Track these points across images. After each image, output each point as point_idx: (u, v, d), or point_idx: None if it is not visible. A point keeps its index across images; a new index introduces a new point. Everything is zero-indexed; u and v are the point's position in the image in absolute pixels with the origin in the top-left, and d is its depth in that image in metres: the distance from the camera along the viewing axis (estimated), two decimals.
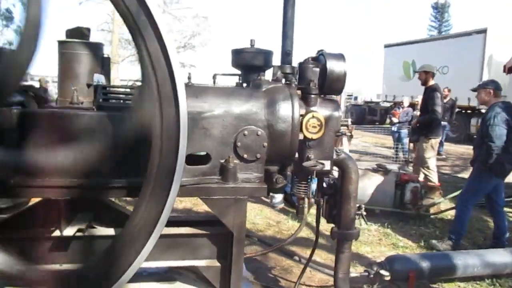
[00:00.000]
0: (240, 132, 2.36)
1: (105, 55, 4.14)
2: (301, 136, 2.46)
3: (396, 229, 6.37)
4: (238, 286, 2.45)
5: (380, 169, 6.99)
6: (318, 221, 3.08)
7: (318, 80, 2.56)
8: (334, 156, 2.64)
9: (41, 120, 2.17)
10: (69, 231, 2.33)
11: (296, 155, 2.51)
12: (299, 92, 2.52)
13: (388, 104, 26.65)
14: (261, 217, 6.32)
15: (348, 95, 37.06)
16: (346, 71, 2.53)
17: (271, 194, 2.82)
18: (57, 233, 2.34)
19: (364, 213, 2.95)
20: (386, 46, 27.26)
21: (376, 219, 6.67)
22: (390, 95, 25.97)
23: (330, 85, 2.55)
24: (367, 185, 6.80)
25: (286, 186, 2.71)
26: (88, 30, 4.11)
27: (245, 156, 2.38)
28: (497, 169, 5.23)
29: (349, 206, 2.77)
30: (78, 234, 2.31)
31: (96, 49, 4.12)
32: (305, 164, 2.41)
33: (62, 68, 4.02)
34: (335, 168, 2.70)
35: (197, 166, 2.34)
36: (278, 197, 2.78)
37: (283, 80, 2.62)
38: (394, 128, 13.24)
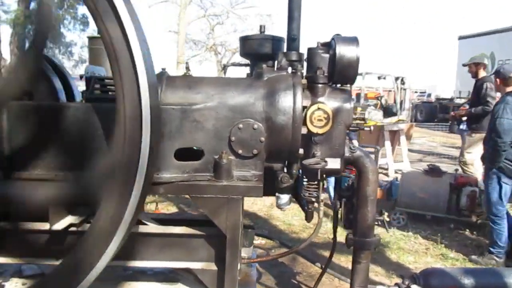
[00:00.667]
0: (235, 126, 2.15)
1: None
2: (305, 130, 2.19)
3: (448, 238, 5.77)
4: None
5: (433, 170, 6.38)
6: (335, 226, 2.78)
7: (328, 68, 2.27)
8: (347, 153, 2.34)
9: (29, 113, 2.12)
10: (61, 224, 2.27)
11: (301, 151, 2.25)
12: (305, 81, 2.25)
13: (462, 101, 24.66)
14: (298, 218, 6.05)
15: (421, 92, 35.08)
16: (358, 56, 2.22)
17: (277, 194, 2.57)
18: (46, 226, 2.28)
19: (387, 219, 2.61)
20: (461, 38, 25.09)
21: (426, 226, 6.09)
22: (464, 91, 23.86)
23: (341, 73, 2.25)
24: (417, 188, 6.24)
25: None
26: None
27: (240, 151, 2.17)
28: (507, 169, 4.60)
29: (366, 210, 2.44)
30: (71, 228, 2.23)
31: None
32: (305, 162, 2.14)
33: (91, 61, 4.07)
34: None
35: (188, 162, 2.17)
36: (284, 198, 2.54)
37: (289, 69, 2.36)
38: (463, 127, 12.21)
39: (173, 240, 2.36)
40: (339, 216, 2.75)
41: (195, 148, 2.21)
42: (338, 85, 2.33)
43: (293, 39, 2.36)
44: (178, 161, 2.15)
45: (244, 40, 2.68)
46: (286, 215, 6.08)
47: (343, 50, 2.21)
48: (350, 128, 2.37)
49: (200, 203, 2.16)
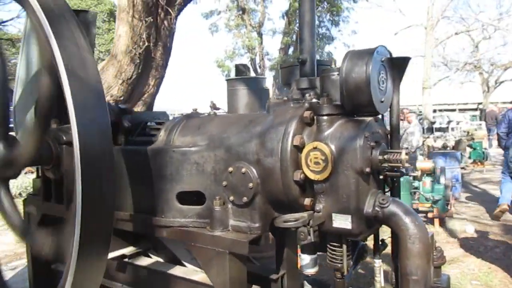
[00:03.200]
0: (227, 169, 1.91)
1: (265, 87, 4.26)
2: (302, 176, 1.72)
3: None
4: None
5: None
6: None
7: (341, 95, 1.73)
8: (368, 209, 1.68)
9: None
10: (115, 253, 2.54)
11: (307, 201, 1.77)
12: (308, 113, 1.78)
13: None
14: None
15: None
16: (368, 76, 1.60)
17: (299, 254, 2.04)
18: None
19: None
20: None
21: None
22: None
23: (349, 99, 1.68)
24: None
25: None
26: (244, 66, 4.37)
27: (231, 198, 1.90)
28: None
29: None
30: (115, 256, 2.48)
31: (255, 83, 4.32)
32: (277, 219, 1.67)
33: (228, 102, 4.45)
34: None
35: (190, 206, 2.06)
36: (306, 259, 1.91)
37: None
38: None
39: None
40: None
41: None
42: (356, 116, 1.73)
43: (302, 62, 1.91)
44: (182, 204, 2.07)
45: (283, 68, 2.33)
46: None
47: (348, 70, 1.65)
48: (387, 173, 1.71)
49: (194, 252, 2.00)
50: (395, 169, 1.68)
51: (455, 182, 7.98)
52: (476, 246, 5.09)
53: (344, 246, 1.81)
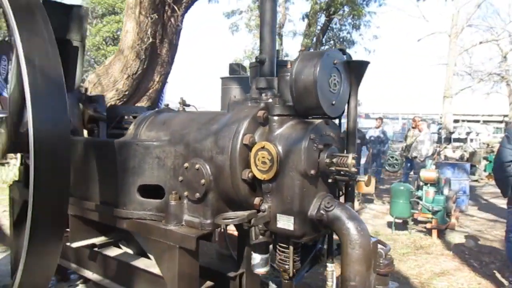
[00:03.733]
0: (183, 165, 1.94)
1: None
2: (250, 174, 1.73)
3: None
4: None
5: None
6: None
7: (291, 96, 1.73)
8: (313, 211, 1.67)
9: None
10: (82, 243, 2.59)
11: (257, 200, 1.77)
12: (262, 113, 1.78)
13: None
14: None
15: None
16: (316, 78, 1.59)
17: (252, 253, 2.02)
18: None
19: None
20: None
21: None
22: None
23: (298, 100, 1.67)
24: None
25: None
26: (238, 65, 4.38)
27: (186, 194, 1.92)
28: None
29: None
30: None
31: (248, 82, 4.34)
32: (218, 217, 1.68)
33: (222, 100, 4.49)
34: None
35: (150, 199, 2.09)
36: (256, 258, 1.88)
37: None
38: None
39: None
40: None
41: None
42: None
43: (260, 62, 1.90)
44: (144, 197, 2.11)
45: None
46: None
47: (298, 71, 1.65)
48: (336, 177, 1.70)
49: (149, 245, 2.04)
50: (342, 173, 1.67)
51: (462, 194, 7.79)
52: (471, 260, 4.95)
53: (291, 248, 1.80)
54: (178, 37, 6.40)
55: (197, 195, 1.87)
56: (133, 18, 5.76)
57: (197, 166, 1.86)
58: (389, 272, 1.79)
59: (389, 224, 6.28)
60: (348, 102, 1.83)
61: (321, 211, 1.67)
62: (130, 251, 2.62)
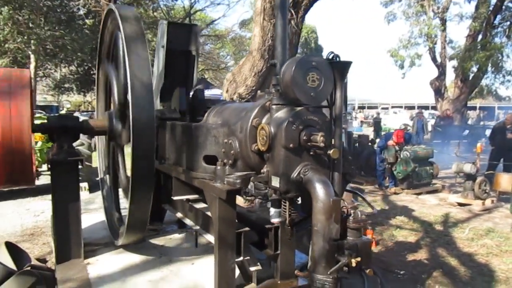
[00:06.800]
0: (224, 141, 2.74)
1: None
2: (256, 148, 2.43)
3: None
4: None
5: None
6: None
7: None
8: (294, 175, 2.27)
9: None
10: (182, 197, 3.63)
11: (266, 168, 2.46)
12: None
13: None
14: None
15: None
16: (293, 76, 2.17)
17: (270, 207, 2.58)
18: None
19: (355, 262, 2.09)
20: None
21: None
22: None
23: (284, 93, 2.28)
24: None
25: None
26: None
27: (225, 161, 2.72)
28: None
29: (319, 245, 2.15)
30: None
31: None
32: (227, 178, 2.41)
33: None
34: None
35: (210, 165, 2.95)
36: (272, 211, 2.30)
37: None
38: None
39: None
40: None
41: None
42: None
43: (272, 65, 2.53)
44: (207, 164, 2.99)
45: None
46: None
47: (284, 71, 2.26)
48: (316, 151, 2.27)
49: (206, 196, 2.90)
50: (317, 147, 2.21)
51: None
52: None
53: (287, 202, 2.42)
54: (298, 37, 7.16)
55: (230, 162, 2.65)
56: (259, 23, 6.77)
57: (230, 141, 2.64)
58: (359, 228, 2.25)
59: None
60: (335, 94, 2.34)
61: (300, 175, 2.26)
62: None
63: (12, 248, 4.04)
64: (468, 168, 7.67)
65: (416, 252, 4.88)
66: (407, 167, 8.61)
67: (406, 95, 54.69)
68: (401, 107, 46.93)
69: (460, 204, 7.82)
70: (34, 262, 4.03)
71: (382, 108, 45.29)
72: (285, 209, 2.46)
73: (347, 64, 2.31)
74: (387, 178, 9.30)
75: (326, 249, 2.13)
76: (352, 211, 2.30)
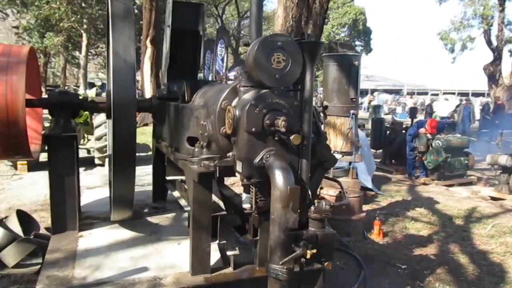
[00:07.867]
0: (201, 122, 2.69)
1: (355, 64, 4.56)
2: (224, 131, 2.37)
3: None
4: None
5: None
6: None
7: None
8: (257, 160, 2.18)
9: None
10: (175, 177, 3.65)
11: (232, 152, 2.40)
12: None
13: None
14: None
15: None
16: (255, 56, 2.07)
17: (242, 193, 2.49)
18: None
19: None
20: None
21: None
22: None
23: (249, 75, 2.19)
24: None
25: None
26: (336, 43, 4.66)
27: (201, 143, 2.68)
28: None
29: (274, 234, 2.07)
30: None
31: (345, 60, 4.66)
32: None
33: (324, 76, 5.00)
34: None
35: (191, 147, 2.93)
36: (243, 196, 2.21)
37: None
38: None
39: None
40: None
41: None
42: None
43: (245, 45, 2.42)
44: (190, 145, 2.97)
45: None
46: None
47: (248, 52, 2.16)
48: (281, 136, 2.17)
49: (185, 179, 2.88)
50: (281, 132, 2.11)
51: None
52: None
53: (254, 188, 2.35)
54: (323, 18, 6.89)
55: (204, 144, 2.60)
56: (282, 4, 6.58)
57: (205, 123, 2.59)
58: (321, 218, 2.14)
59: None
60: (304, 76, 2.21)
61: (263, 160, 2.17)
62: None
63: (23, 216, 4.28)
64: (503, 160, 7.13)
65: (425, 247, 4.64)
66: (438, 157, 8.16)
67: (459, 81, 51.68)
68: (453, 93, 44.45)
69: (493, 198, 7.33)
70: (42, 231, 4.26)
71: (432, 95, 43.16)
72: (251, 195, 2.39)
73: (318, 45, 2.17)
74: (418, 167, 8.89)
75: (281, 238, 2.06)
76: (316, 201, 2.21)
